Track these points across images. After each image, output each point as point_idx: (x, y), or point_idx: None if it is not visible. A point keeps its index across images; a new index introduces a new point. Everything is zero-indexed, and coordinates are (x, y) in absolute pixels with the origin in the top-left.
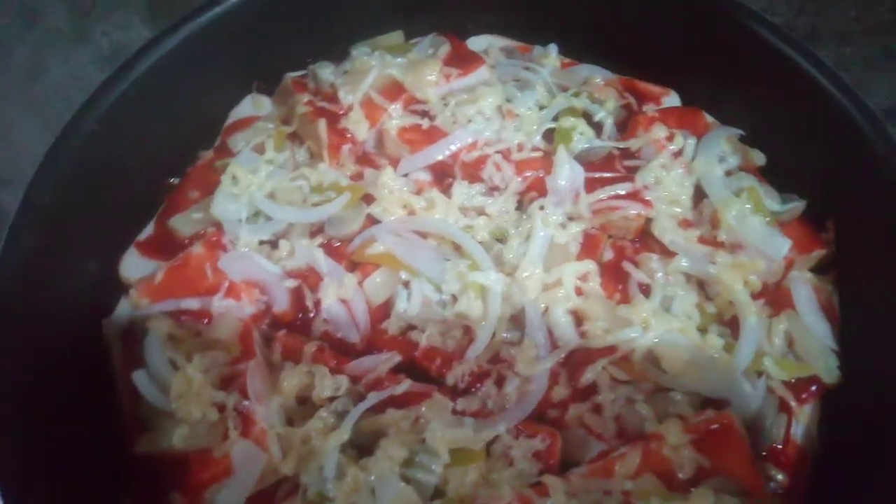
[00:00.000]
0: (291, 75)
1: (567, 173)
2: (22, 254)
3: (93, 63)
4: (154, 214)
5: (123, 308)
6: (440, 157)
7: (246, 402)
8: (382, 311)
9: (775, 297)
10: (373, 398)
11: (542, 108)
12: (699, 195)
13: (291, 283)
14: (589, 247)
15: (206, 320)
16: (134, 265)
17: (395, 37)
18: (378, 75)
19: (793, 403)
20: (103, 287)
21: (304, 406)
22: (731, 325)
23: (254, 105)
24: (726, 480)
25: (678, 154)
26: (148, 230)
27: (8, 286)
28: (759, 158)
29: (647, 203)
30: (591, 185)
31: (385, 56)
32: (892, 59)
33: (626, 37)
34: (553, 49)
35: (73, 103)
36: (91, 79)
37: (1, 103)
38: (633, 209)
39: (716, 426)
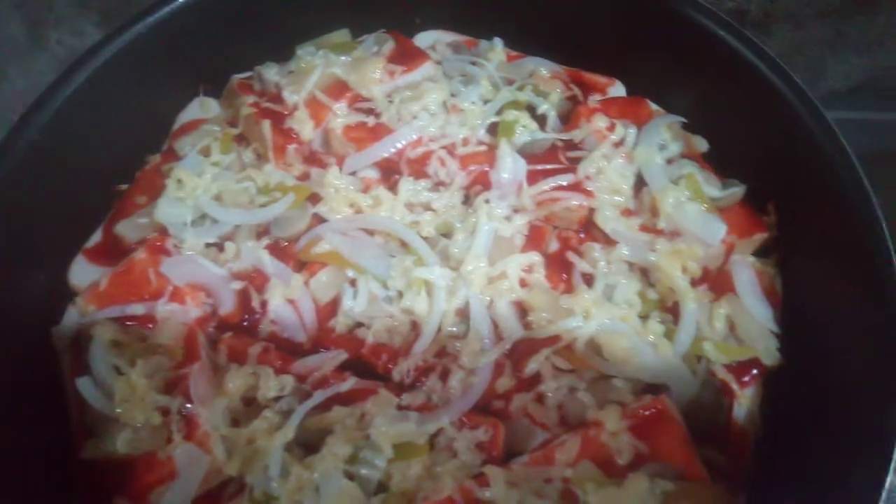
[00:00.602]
0: (238, 77)
1: (510, 166)
2: None
3: (51, 71)
4: (103, 221)
5: (71, 316)
6: (386, 155)
7: (189, 406)
8: (329, 310)
9: (717, 282)
10: (318, 396)
11: (486, 102)
12: (641, 184)
13: (237, 284)
14: (534, 239)
15: (150, 325)
16: (83, 272)
17: (342, 35)
18: (322, 74)
19: (734, 386)
20: (54, 296)
21: (249, 407)
22: (674, 311)
23: (201, 108)
24: (664, 465)
25: (619, 144)
26: (96, 237)
27: None
28: (701, 145)
29: (588, 193)
30: (534, 178)
31: (329, 55)
32: (846, 43)
33: (572, 28)
34: (499, 43)
35: None
36: None
37: None
38: (576, 200)
39: (651, 411)
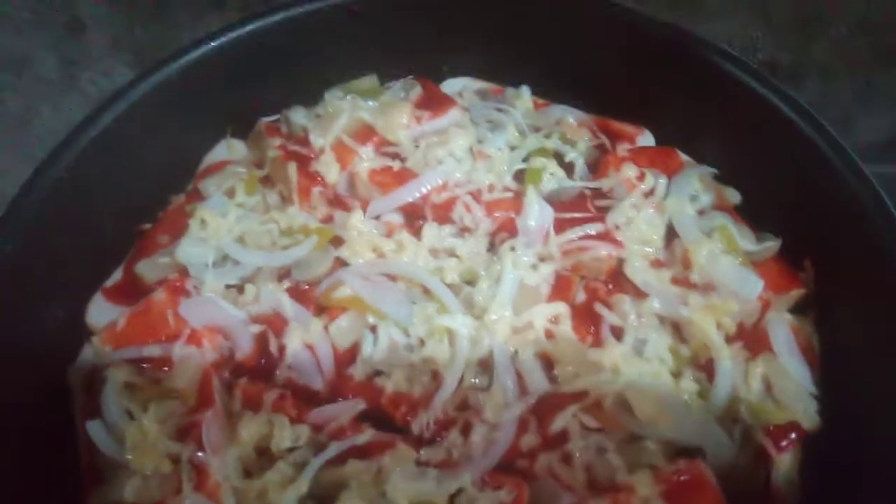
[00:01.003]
0: (265, 120)
1: (537, 213)
2: None
3: (82, 110)
4: (124, 260)
5: (87, 355)
6: (410, 199)
7: (201, 454)
8: (348, 357)
9: (753, 340)
10: (333, 449)
11: (513, 148)
12: (671, 235)
13: (256, 328)
14: (561, 288)
15: (166, 368)
16: (101, 312)
17: (370, 80)
18: (349, 118)
19: (772, 451)
20: (71, 334)
21: (262, 457)
22: (707, 368)
23: (228, 150)
24: None
25: (650, 193)
26: (116, 276)
27: None
28: (733, 197)
29: (618, 243)
30: (561, 226)
31: (357, 99)
32: (876, 96)
33: (600, 77)
34: (526, 90)
35: None
36: None
37: None
38: (604, 249)
39: (686, 477)
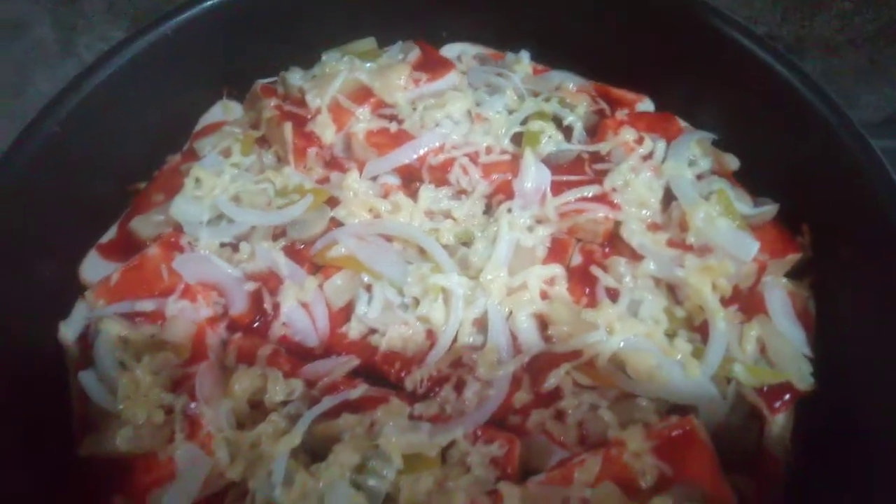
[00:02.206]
0: (262, 81)
1: (534, 175)
2: None
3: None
4: (119, 218)
5: (80, 310)
6: (407, 160)
7: (194, 405)
8: (343, 315)
9: (748, 303)
10: (327, 402)
11: (511, 112)
12: (668, 198)
13: (251, 285)
14: (557, 251)
15: (160, 322)
16: (94, 268)
17: (368, 43)
18: (346, 79)
19: (765, 411)
20: (64, 290)
21: (256, 410)
22: (702, 330)
23: (224, 111)
24: (691, 489)
25: (648, 157)
26: (111, 233)
27: None
28: (732, 163)
29: (615, 206)
30: (558, 188)
31: (354, 61)
32: (879, 73)
33: (601, 44)
34: (525, 55)
35: None
36: None
37: None
38: (601, 212)
39: (678, 432)
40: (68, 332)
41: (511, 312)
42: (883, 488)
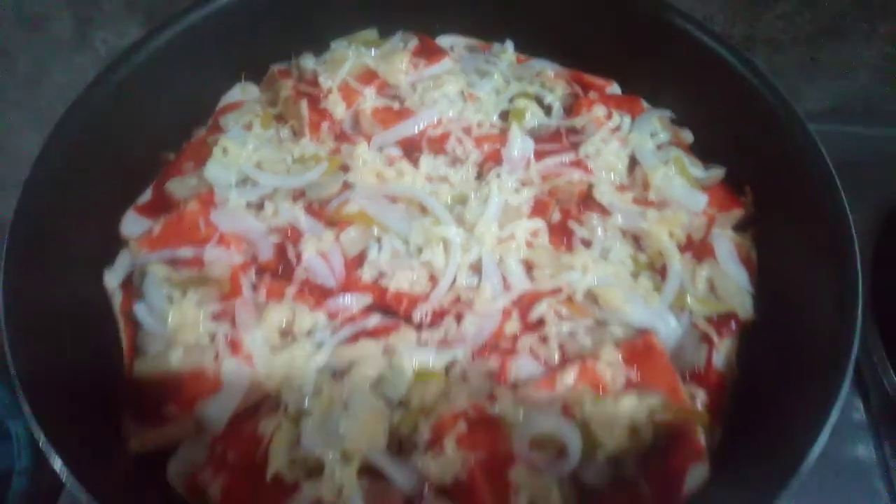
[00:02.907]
0: (277, 66)
1: (519, 144)
2: (34, 211)
3: (93, 69)
4: (151, 183)
5: (124, 259)
6: (409, 133)
7: (234, 331)
8: (356, 262)
9: (700, 251)
10: (348, 329)
11: (499, 93)
12: (633, 164)
13: (275, 238)
14: (539, 209)
15: (198, 268)
16: (133, 223)
17: (371, 33)
18: (354, 64)
19: (714, 337)
20: (105, 246)
21: (285, 339)
22: (661, 273)
23: (242, 91)
24: (652, 393)
25: (615, 130)
26: (146, 196)
27: (20, 240)
28: (687, 137)
29: (588, 170)
30: (540, 156)
31: (360, 48)
32: (819, 68)
33: (576, 38)
34: (509, 45)
35: None
36: None
37: (3, 109)
38: (576, 175)
39: (640, 344)
40: (112, 278)
41: (501, 258)
42: (810, 396)
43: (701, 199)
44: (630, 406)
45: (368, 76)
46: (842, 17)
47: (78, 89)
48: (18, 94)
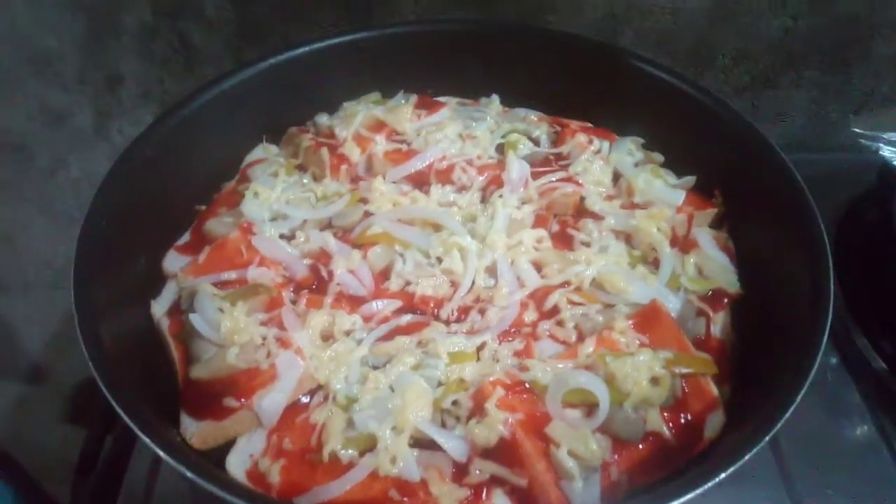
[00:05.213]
0: (294, 128)
1: (517, 167)
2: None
3: (108, 159)
4: (188, 230)
5: (169, 290)
6: (419, 166)
7: (282, 332)
8: (383, 276)
9: (685, 246)
10: (384, 328)
11: (492, 132)
12: (616, 180)
13: (308, 261)
14: (539, 223)
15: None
16: (174, 261)
17: (375, 95)
18: (365, 116)
19: (710, 312)
20: (149, 283)
21: (326, 343)
22: (654, 264)
23: (265, 151)
24: (666, 351)
25: (597, 152)
26: (185, 237)
27: (84, 267)
28: (658, 157)
29: (579, 184)
30: (536, 176)
31: (369, 105)
32: (760, 112)
33: (552, 89)
34: (495, 98)
35: (85, 201)
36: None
37: (17, 205)
38: (569, 188)
39: (648, 309)
40: (158, 307)
41: (513, 261)
42: (793, 352)
43: (679, 195)
44: (647, 358)
45: (378, 126)
46: (772, 66)
47: (93, 182)
48: (33, 190)
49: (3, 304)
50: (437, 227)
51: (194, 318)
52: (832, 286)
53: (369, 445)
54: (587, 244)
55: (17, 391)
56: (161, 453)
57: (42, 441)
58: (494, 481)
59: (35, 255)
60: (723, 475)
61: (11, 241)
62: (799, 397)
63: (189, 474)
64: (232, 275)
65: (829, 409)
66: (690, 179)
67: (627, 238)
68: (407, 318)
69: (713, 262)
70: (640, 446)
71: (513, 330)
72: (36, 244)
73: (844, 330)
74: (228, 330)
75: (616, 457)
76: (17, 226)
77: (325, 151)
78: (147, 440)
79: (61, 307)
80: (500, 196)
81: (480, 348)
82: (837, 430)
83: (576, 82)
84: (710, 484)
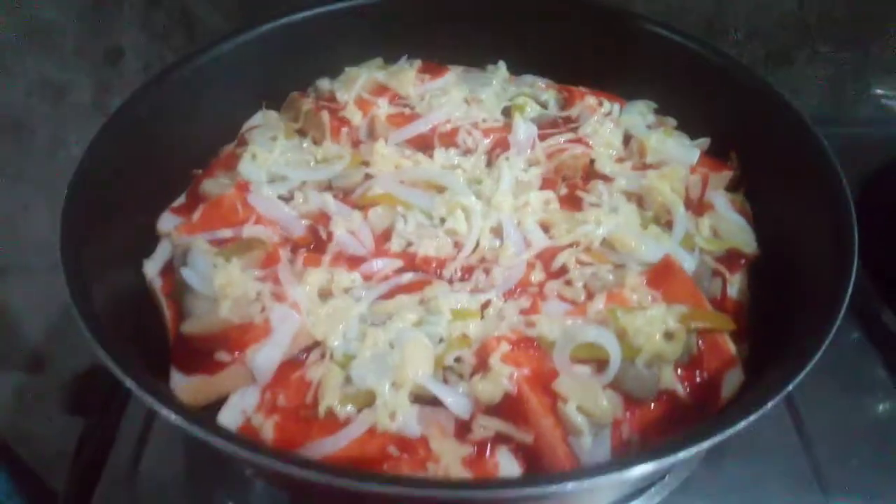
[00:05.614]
0: (295, 93)
1: (524, 129)
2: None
3: None
4: (183, 193)
5: (162, 249)
6: (422, 130)
7: (278, 287)
8: (385, 237)
9: (699, 209)
10: (385, 286)
11: (498, 96)
12: (627, 141)
13: (306, 222)
14: (547, 186)
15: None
16: (169, 221)
17: (378, 61)
18: (366, 80)
19: (725, 273)
20: (141, 244)
21: (324, 300)
22: (668, 226)
23: (264, 118)
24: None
25: (608, 114)
26: (180, 199)
27: (72, 226)
28: (671, 122)
29: (588, 146)
30: (543, 137)
31: (371, 69)
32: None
33: (560, 54)
34: (502, 65)
35: None
36: None
37: (16, 184)
38: (579, 149)
39: (661, 265)
40: (151, 266)
41: (519, 222)
42: (817, 307)
43: (694, 153)
44: (661, 312)
45: (380, 90)
46: (786, 42)
47: None
48: (33, 170)
49: (2, 289)
50: (440, 190)
51: (186, 273)
52: (856, 238)
53: (367, 401)
54: (597, 206)
55: (16, 380)
56: (152, 401)
57: (41, 431)
58: (499, 438)
59: (35, 237)
60: (736, 428)
61: (11, 222)
62: (821, 351)
63: (183, 423)
64: (227, 233)
65: (852, 384)
66: (705, 141)
67: (639, 200)
68: (408, 277)
69: (729, 223)
70: (654, 405)
71: (518, 289)
72: (36, 225)
73: (867, 304)
74: (222, 284)
75: (628, 415)
76: (17, 206)
77: (325, 114)
78: (138, 391)
79: (62, 293)
80: (507, 159)
81: (485, 306)
82: (860, 406)
83: (586, 49)
84: (719, 437)
